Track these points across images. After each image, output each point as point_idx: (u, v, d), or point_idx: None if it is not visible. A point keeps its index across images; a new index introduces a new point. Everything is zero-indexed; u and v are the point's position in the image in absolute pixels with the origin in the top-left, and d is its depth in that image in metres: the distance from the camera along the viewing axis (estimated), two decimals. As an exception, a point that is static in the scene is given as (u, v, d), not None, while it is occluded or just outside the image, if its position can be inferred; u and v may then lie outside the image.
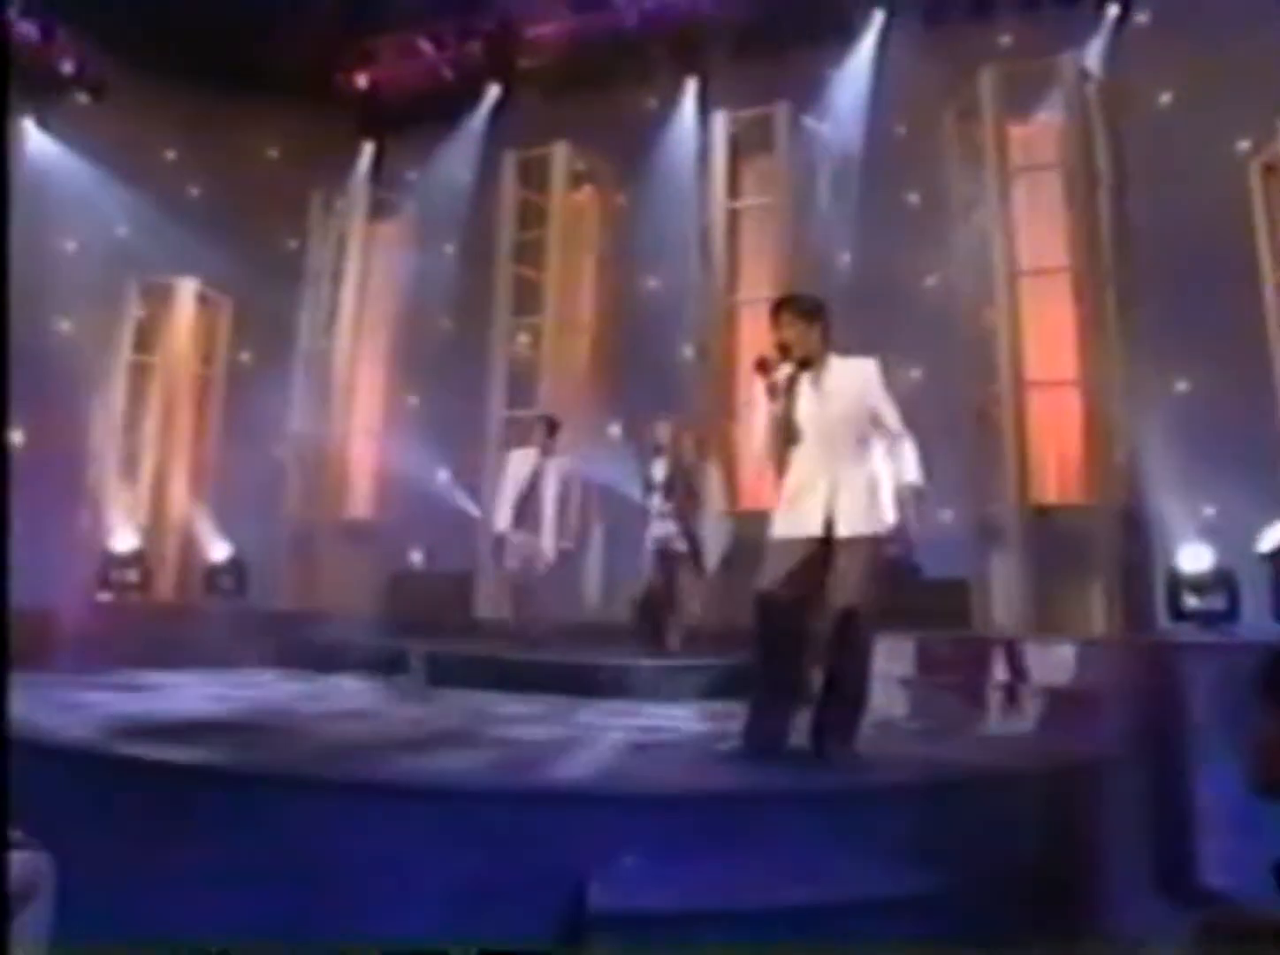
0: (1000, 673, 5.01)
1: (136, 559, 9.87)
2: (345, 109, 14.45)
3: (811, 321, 3.71)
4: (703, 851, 2.74)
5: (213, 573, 10.74)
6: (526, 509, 6.94)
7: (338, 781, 3.07)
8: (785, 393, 3.62)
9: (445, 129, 13.68)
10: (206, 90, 12.60)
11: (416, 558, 13.50)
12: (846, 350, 3.83)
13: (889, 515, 3.64)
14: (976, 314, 8.64)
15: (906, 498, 3.65)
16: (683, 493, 6.79)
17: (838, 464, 3.60)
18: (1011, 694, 4.84)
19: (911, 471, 3.68)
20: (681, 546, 6.75)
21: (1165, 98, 11.48)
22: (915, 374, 11.24)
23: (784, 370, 3.66)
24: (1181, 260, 9.42)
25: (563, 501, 6.91)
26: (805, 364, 3.67)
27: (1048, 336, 8.02)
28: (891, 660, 5.14)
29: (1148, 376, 8.41)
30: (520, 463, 7.14)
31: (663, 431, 6.87)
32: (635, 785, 3.18)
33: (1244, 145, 11.27)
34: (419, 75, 14.63)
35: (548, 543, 6.87)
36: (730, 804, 3.01)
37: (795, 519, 3.61)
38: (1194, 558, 7.82)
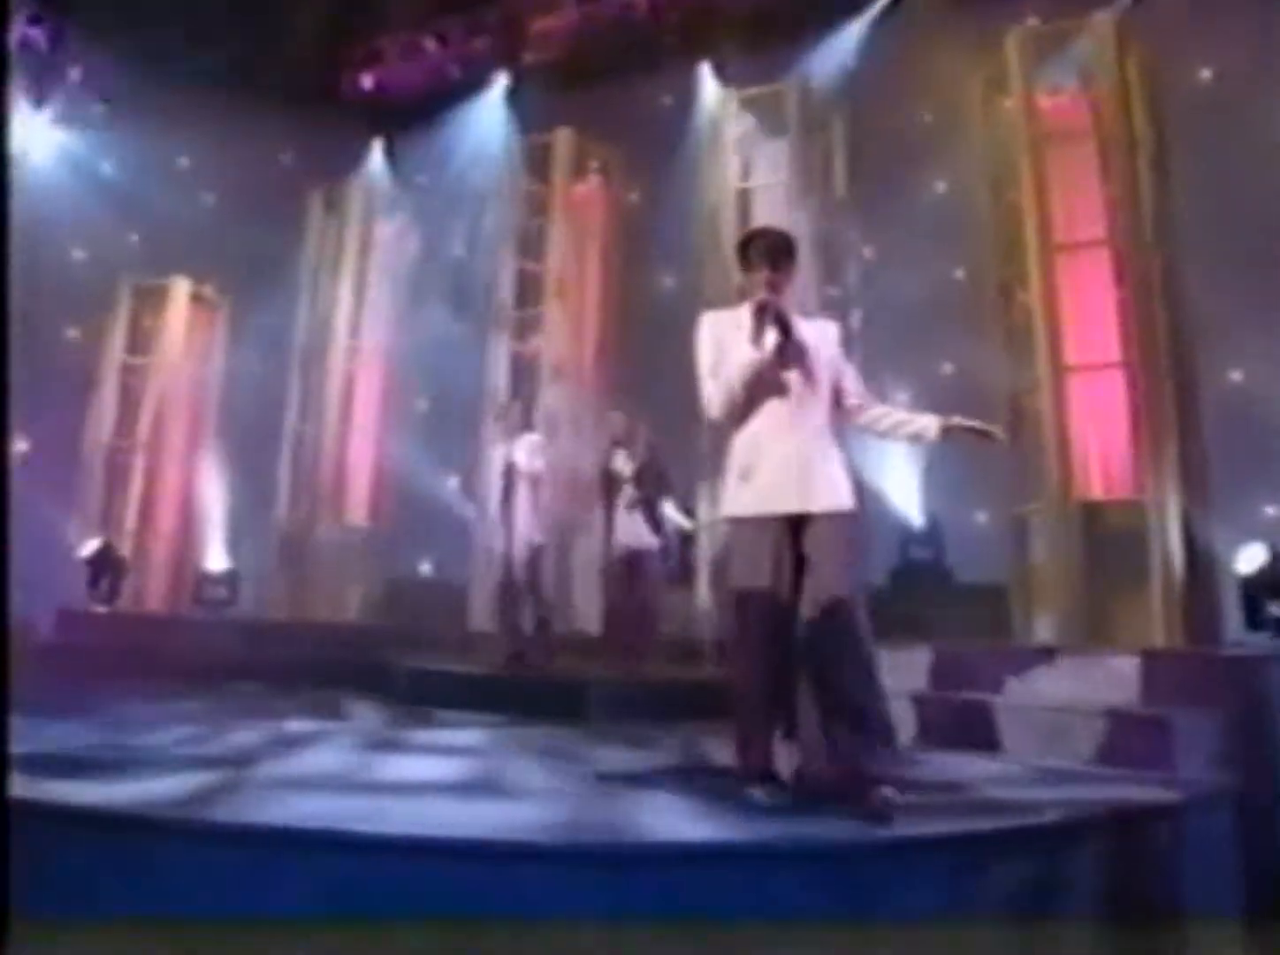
0: (1045, 689, 4.31)
1: (103, 565, 9.32)
2: (354, 111, 14.11)
3: (792, 259, 3.17)
4: (668, 919, 2.10)
5: (203, 582, 10.26)
6: (503, 500, 6.40)
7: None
8: (786, 336, 3.01)
9: (453, 126, 13.28)
10: (217, 97, 12.31)
11: (425, 568, 13.07)
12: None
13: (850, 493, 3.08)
14: (1010, 299, 7.96)
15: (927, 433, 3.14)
16: (655, 483, 6.20)
17: (806, 423, 3.05)
18: (1059, 715, 4.14)
19: (916, 417, 3.18)
20: (643, 546, 6.15)
21: (1206, 74, 10.86)
22: (946, 369, 10.68)
23: (778, 313, 3.04)
24: (1231, 243, 8.78)
25: (529, 485, 6.36)
26: (782, 310, 3.08)
27: (1088, 316, 7.31)
28: (906, 674, 4.46)
29: (1199, 364, 7.72)
30: (498, 455, 6.63)
31: (618, 423, 6.32)
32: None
33: (1294, 118, 10.61)
34: (425, 73, 14.26)
35: (516, 532, 6.32)
36: (712, 860, 2.35)
37: (761, 492, 3.01)
38: (1251, 559, 7.17)
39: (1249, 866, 3.17)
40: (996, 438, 3.18)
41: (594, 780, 3.34)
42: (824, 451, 3.02)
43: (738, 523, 3.07)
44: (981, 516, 9.30)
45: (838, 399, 3.15)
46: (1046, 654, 4.67)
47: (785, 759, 3.03)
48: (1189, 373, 7.29)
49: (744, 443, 3.07)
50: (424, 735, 4.54)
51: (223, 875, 2.33)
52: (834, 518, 2.97)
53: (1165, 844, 2.87)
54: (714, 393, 3.08)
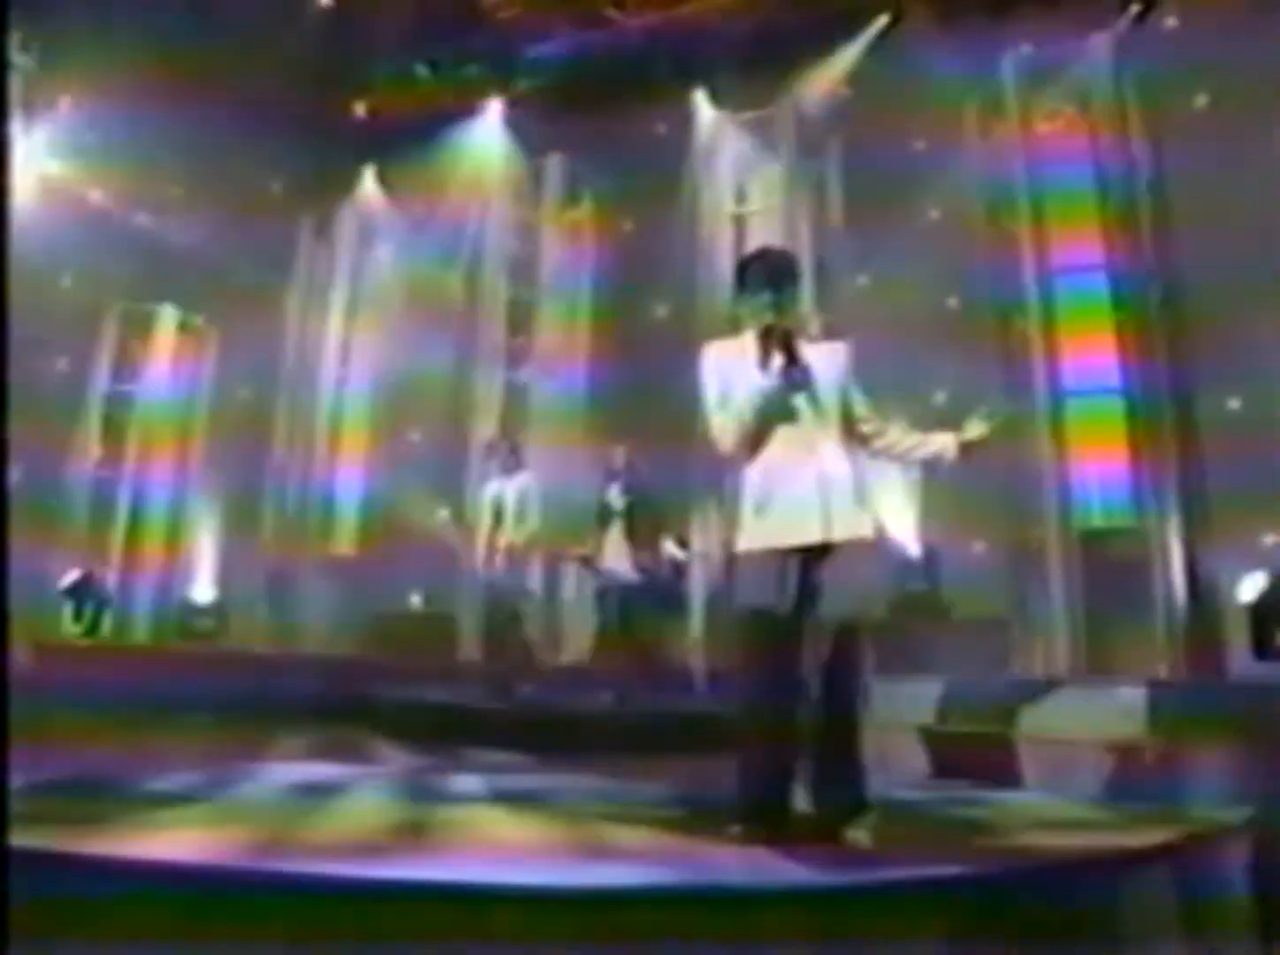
0: (1054, 722, 4.15)
1: (85, 595, 9.12)
2: (345, 139, 14.08)
3: (795, 280, 3.03)
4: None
5: (190, 613, 10.08)
6: (496, 537, 6.24)
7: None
8: (794, 361, 2.86)
9: (444, 154, 13.23)
10: (209, 126, 12.25)
11: (416, 600, 12.88)
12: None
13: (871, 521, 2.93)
14: (1007, 325, 7.89)
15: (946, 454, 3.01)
16: (646, 521, 6.08)
17: (821, 452, 2.88)
18: (1066, 748, 3.98)
19: (933, 437, 3.04)
20: (638, 579, 6.02)
21: (1201, 100, 10.87)
22: (939, 397, 10.58)
23: (776, 340, 2.90)
24: (1228, 270, 8.72)
25: (519, 517, 6.19)
26: (788, 334, 2.92)
27: (1086, 342, 7.23)
28: (914, 707, 4.30)
29: (1197, 390, 7.64)
30: (489, 492, 6.49)
31: (618, 456, 6.17)
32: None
33: (1287, 146, 10.62)
34: (417, 101, 14.24)
35: (502, 569, 6.16)
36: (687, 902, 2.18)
37: (780, 524, 2.84)
38: (1253, 586, 7.09)
39: (1265, 901, 3.03)
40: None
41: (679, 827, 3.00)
42: (842, 478, 2.87)
43: (748, 555, 2.90)
44: (979, 547, 9.16)
45: (849, 423, 2.99)
46: (1056, 685, 4.52)
47: (799, 792, 2.86)
48: (1187, 399, 7.20)
49: (757, 473, 2.90)
50: (466, 782, 4.01)
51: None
52: (852, 546, 2.82)
53: (1176, 881, 2.71)
54: (724, 425, 2.91)
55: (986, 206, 8.28)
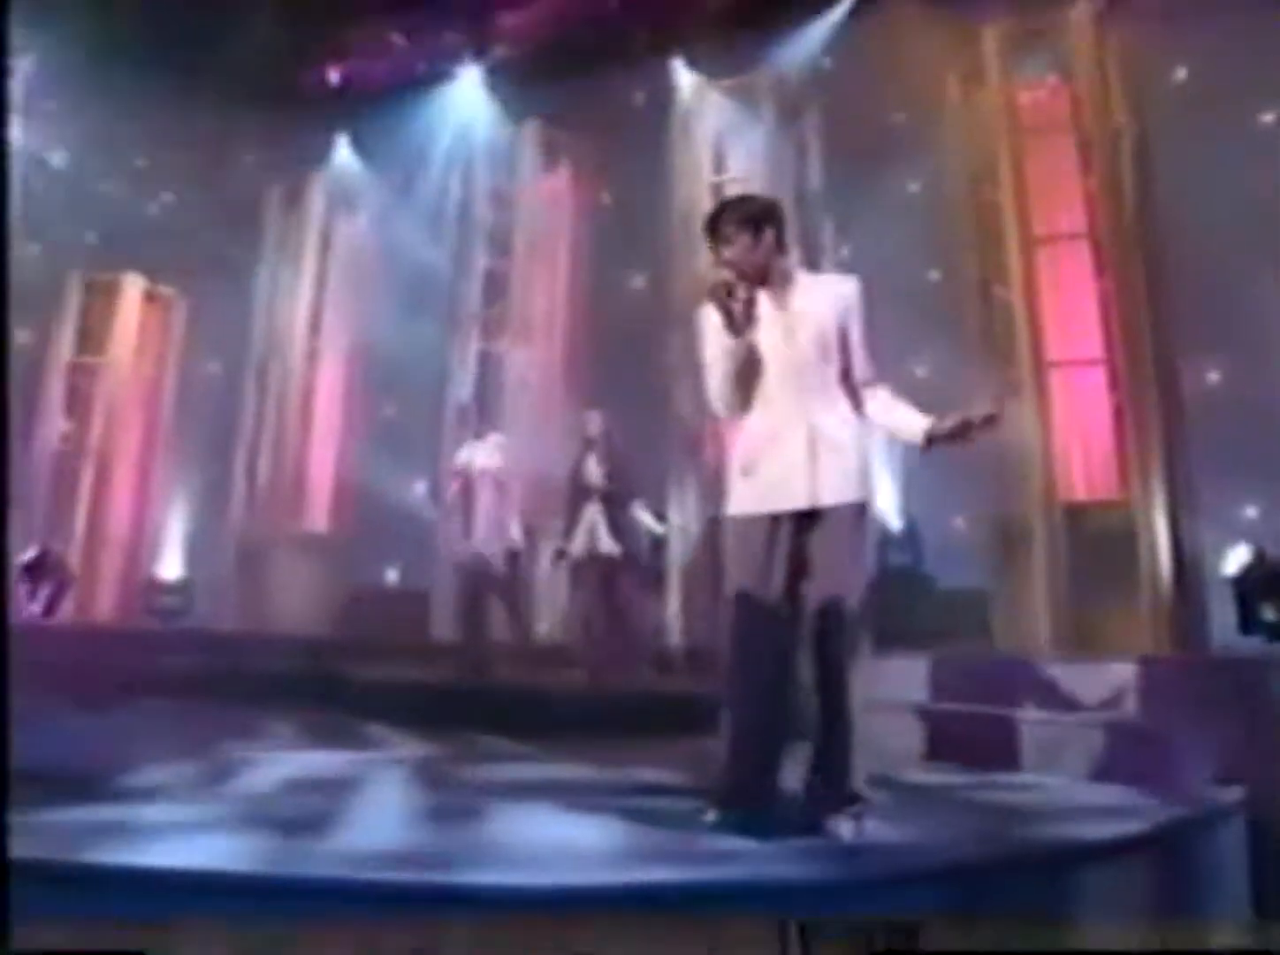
0: (1038, 700, 4.07)
1: (41, 573, 8.85)
2: (318, 106, 13.77)
3: (758, 229, 2.76)
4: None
5: (156, 590, 9.85)
6: (466, 504, 6.07)
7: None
8: (745, 319, 2.67)
9: (419, 121, 12.97)
10: (179, 96, 11.96)
11: (392, 576, 12.74)
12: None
13: (873, 483, 2.75)
14: (987, 296, 7.78)
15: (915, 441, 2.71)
16: (620, 492, 5.91)
17: (813, 409, 2.70)
18: (1053, 726, 3.90)
19: (915, 415, 2.72)
20: (616, 551, 5.86)
21: (1181, 74, 10.81)
22: (919, 372, 10.50)
23: (740, 293, 2.68)
24: (1207, 244, 8.68)
25: (496, 487, 6.03)
26: (761, 282, 2.74)
27: (1068, 311, 7.15)
28: (902, 684, 4.20)
29: (1179, 365, 7.58)
30: (461, 457, 6.30)
31: (593, 423, 5.94)
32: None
33: (1268, 118, 10.62)
34: (392, 68, 13.95)
35: (481, 535, 6.01)
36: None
37: (766, 487, 2.68)
38: (1236, 560, 7.11)
39: (1257, 881, 2.98)
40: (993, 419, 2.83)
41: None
42: (835, 439, 2.69)
43: (735, 521, 2.75)
44: (960, 520, 9.11)
45: (847, 371, 2.76)
46: (1041, 662, 4.45)
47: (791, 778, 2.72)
48: (1170, 369, 7.13)
49: (745, 436, 2.76)
50: (486, 770, 3.69)
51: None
52: (843, 512, 2.64)
53: (1169, 863, 2.64)
54: (712, 389, 2.76)
55: (968, 175, 8.14)
